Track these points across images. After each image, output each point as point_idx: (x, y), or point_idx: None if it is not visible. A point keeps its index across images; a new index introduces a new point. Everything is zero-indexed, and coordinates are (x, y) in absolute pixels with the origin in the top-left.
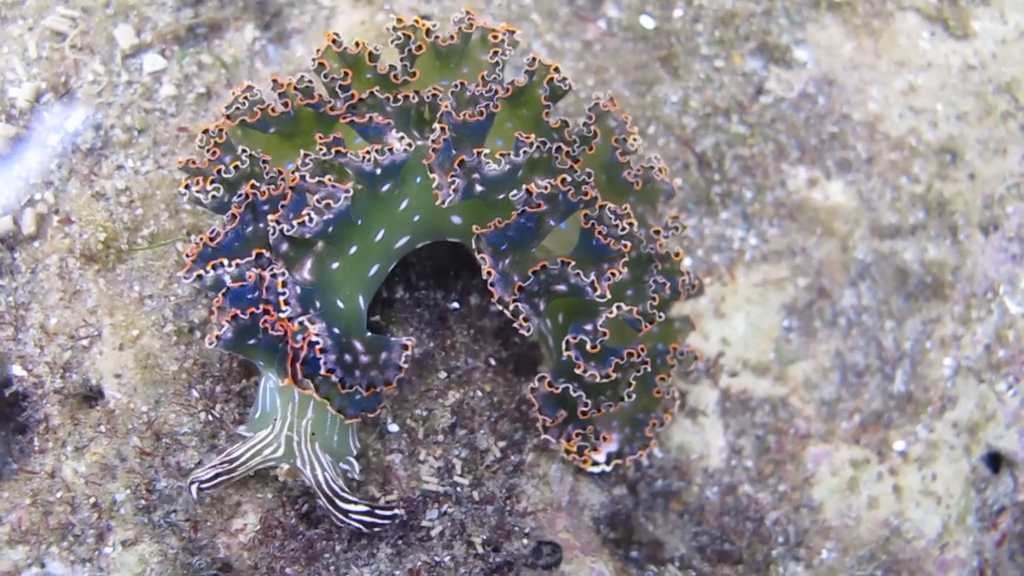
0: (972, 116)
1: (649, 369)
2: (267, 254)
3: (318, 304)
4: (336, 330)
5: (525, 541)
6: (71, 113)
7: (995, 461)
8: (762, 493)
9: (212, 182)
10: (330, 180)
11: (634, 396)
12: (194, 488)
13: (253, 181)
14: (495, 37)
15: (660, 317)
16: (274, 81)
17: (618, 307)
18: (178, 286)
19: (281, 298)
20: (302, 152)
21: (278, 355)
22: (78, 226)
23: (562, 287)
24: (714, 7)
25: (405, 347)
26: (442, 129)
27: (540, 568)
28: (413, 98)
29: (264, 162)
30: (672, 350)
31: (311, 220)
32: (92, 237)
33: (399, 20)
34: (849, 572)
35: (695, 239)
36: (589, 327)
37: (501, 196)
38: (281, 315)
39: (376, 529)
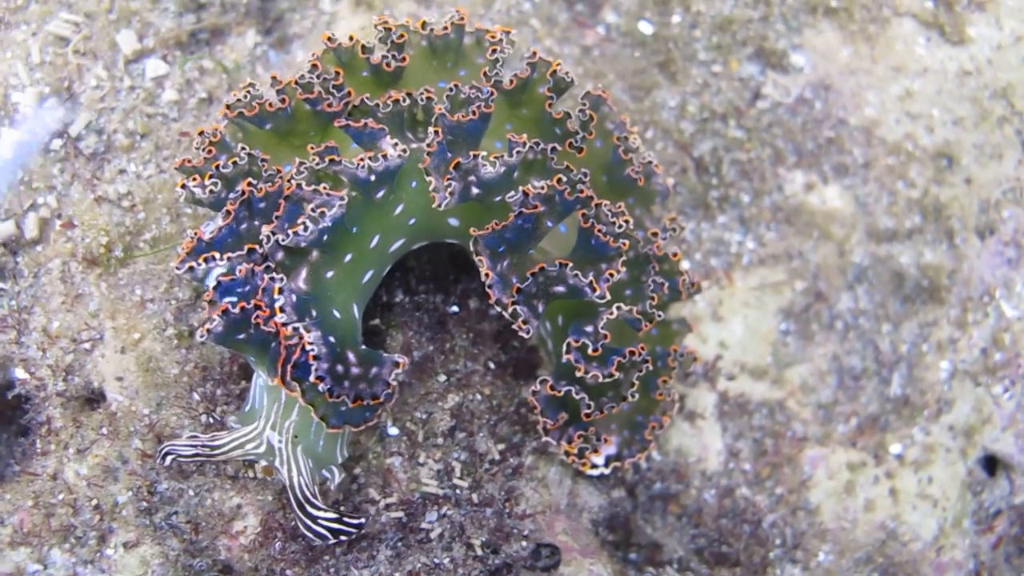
0: (968, 121)
1: (651, 368)
2: (259, 249)
3: (314, 313)
4: (331, 339)
5: (524, 543)
6: (74, 117)
7: (991, 464)
8: (759, 496)
9: (211, 177)
10: (324, 188)
11: (636, 397)
12: (169, 458)
13: (250, 179)
14: (492, 37)
15: (659, 316)
16: (273, 78)
17: (618, 307)
18: (179, 290)
19: (277, 304)
20: (297, 160)
21: (269, 353)
22: (80, 230)
23: (561, 288)
24: (712, 13)
25: (397, 364)
26: (436, 132)
27: (539, 570)
28: (405, 101)
29: (263, 160)
30: (672, 352)
31: (306, 229)
32: (94, 241)
33: (383, 21)
34: (846, 574)
35: (692, 243)
36: (589, 329)
37: (498, 198)
38: (276, 319)
39: (342, 537)
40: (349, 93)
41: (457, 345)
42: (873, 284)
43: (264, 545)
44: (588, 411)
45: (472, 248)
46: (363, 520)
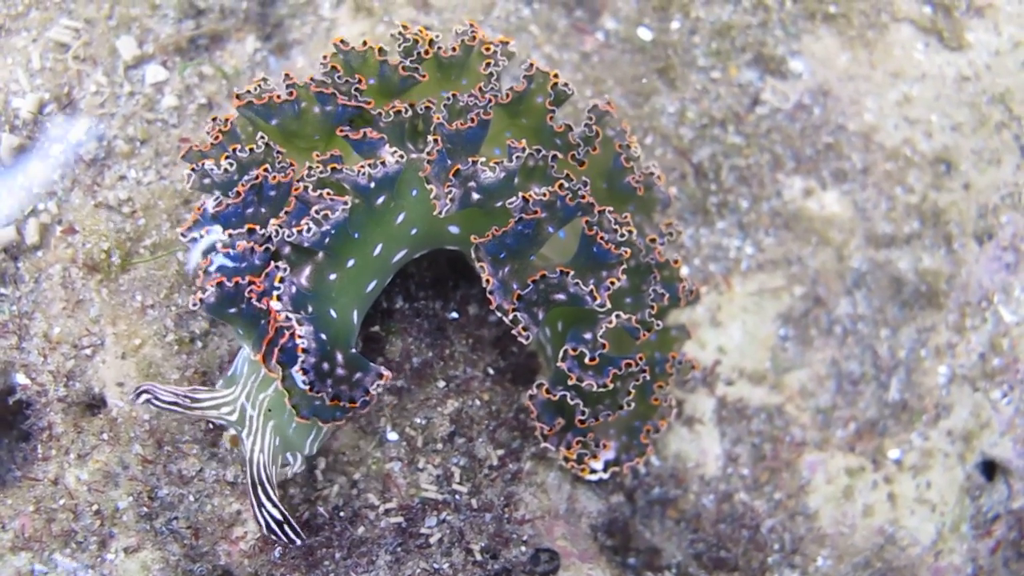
0: (966, 127)
1: (648, 378)
2: (259, 230)
3: (311, 308)
4: (323, 336)
5: (523, 548)
6: (74, 124)
7: (989, 469)
8: (758, 501)
9: (227, 158)
10: (329, 194)
11: (632, 406)
12: (144, 396)
13: (266, 165)
14: (487, 49)
15: (658, 325)
16: (286, 75)
17: (617, 316)
18: (179, 296)
19: (276, 292)
20: (307, 164)
21: (258, 330)
22: (81, 236)
23: (561, 296)
24: (711, 19)
25: (381, 375)
26: (436, 140)
27: (538, 575)
28: (406, 112)
29: (278, 152)
30: (671, 358)
31: (309, 230)
32: (95, 247)
33: (404, 27)
34: None
35: (692, 248)
36: (588, 336)
37: (498, 204)
38: (272, 306)
39: (273, 538)
40: (368, 101)
41: (456, 351)
42: (872, 289)
43: (264, 551)
44: (583, 418)
45: (474, 254)
46: (304, 541)
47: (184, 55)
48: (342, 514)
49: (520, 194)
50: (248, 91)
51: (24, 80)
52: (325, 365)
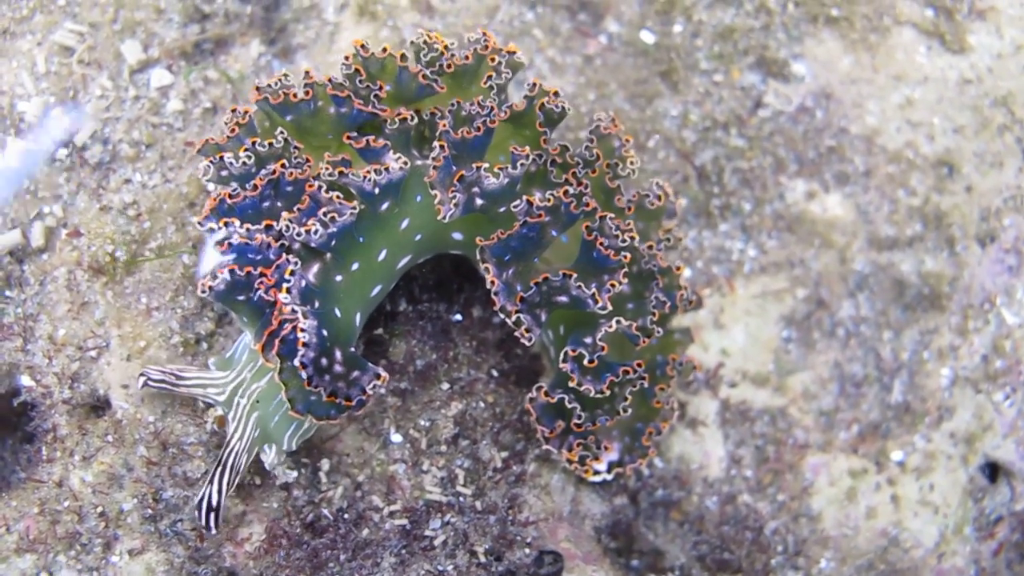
0: (969, 129)
1: (646, 384)
2: (276, 226)
3: (317, 304)
4: (325, 333)
5: (527, 550)
6: (79, 127)
7: (992, 471)
8: (761, 503)
9: (246, 151)
10: (338, 197)
11: (631, 409)
12: (142, 379)
13: (284, 160)
14: (492, 60)
15: (658, 332)
16: (306, 72)
17: (617, 321)
18: (184, 299)
19: (285, 285)
20: (322, 164)
21: (262, 320)
22: (86, 239)
23: (563, 298)
24: (713, 22)
25: (378, 377)
26: (441, 147)
27: None
28: (412, 119)
29: (295, 147)
30: (672, 361)
31: (316, 232)
32: (100, 250)
33: (428, 36)
34: None
35: (695, 251)
36: (588, 340)
37: (502, 209)
38: (280, 297)
39: (195, 513)
40: (384, 108)
41: (460, 353)
42: (874, 292)
43: (269, 552)
44: (579, 422)
45: (479, 257)
46: (214, 532)
47: (189, 59)
48: (346, 516)
49: (524, 198)
50: (269, 86)
51: (29, 83)
52: (324, 361)
